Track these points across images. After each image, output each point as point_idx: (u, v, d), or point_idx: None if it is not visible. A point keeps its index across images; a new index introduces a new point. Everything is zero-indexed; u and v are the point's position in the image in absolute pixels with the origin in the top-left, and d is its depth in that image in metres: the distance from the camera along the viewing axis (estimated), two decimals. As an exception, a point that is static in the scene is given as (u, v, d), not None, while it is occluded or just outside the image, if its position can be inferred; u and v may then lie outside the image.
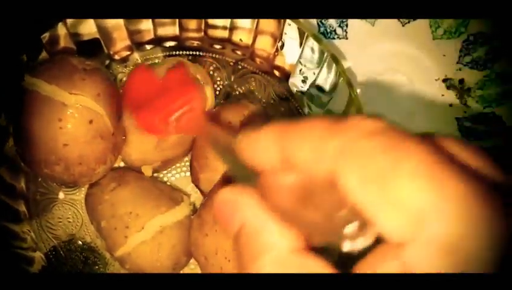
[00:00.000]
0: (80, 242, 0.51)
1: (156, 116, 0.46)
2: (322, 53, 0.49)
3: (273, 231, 0.24)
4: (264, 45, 0.54)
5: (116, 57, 0.54)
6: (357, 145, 0.21)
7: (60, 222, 0.51)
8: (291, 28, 0.50)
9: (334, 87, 0.49)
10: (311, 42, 0.49)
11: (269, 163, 0.25)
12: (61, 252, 0.50)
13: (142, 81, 0.49)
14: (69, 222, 0.51)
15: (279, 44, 0.52)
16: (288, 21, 0.50)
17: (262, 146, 0.25)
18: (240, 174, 0.28)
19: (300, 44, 0.51)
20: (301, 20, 0.58)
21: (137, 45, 0.55)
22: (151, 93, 0.48)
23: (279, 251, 0.23)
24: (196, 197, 0.53)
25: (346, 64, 0.60)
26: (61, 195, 0.52)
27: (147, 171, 0.52)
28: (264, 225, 0.24)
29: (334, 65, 0.48)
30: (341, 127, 0.22)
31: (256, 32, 0.53)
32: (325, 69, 0.49)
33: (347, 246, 0.21)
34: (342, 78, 0.48)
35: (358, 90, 0.56)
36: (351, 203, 0.21)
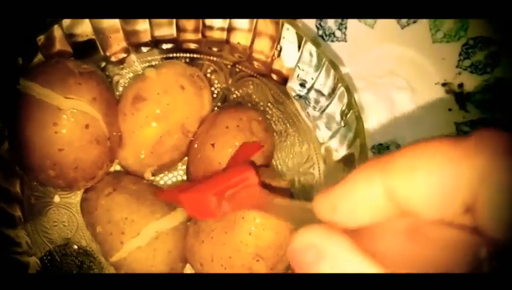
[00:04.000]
0: (76, 246, 0.50)
1: (207, 194, 0.40)
2: (320, 57, 0.49)
3: None
4: (262, 48, 0.53)
5: (113, 59, 0.54)
6: (497, 166, 0.18)
7: (55, 225, 0.51)
8: (289, 32, 0.50)
9: (333, 92, 0.49)
10: (310, 46, 0.49)
11: (370, 217, 0.22)
12: (57, 257, 0.49)
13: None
14: (65, 225, 0.51)
15: (278, 49, 0.51)
16: (286, 25, 0.49)
17: (358, 201, 0.22)
18: None
19: (299, 48, 0.50)
20: (300, 22, 0.58)
21: (134, 46, 0.54)
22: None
23: None
24: (193, 201, 0.53)
25: (344, 69, 0.59)
26: (56, 199, 0.51)
27: (147, 174, 0.51)
28: None
29: (332, 70, 0.48)
30: (468, 147, 0.19)
31: (254, 35, 0.52)
32: (323, 73, 0.49)
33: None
34: (340, 84, 0.47)
35: (356, 94, 0.56)
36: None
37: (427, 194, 0.20)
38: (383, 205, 0.21)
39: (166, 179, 0.55)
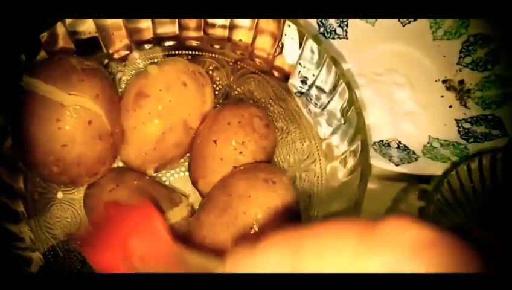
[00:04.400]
0: (79, 242, 0.51)
1: (114, 254, 0.36)
2: (321, 54, 0.49)
3: None
4: (263, 45, 0.53)
5: (115, 56, 0.54)
6: (406, 266, 0.18)
7: (58, 221, 0.51)
8: (291, 29, 0.50)
9: (334, 88, 0.49)
10: (311, 43, 0.49)
11: None
12: (60, 252, 0.50)
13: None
14: (68, 221, 0.51)
15: (279, 46, 0.52)
16: (288, 22, 0.50)
17: (265, 269, 0.23)
18: None
19: (300, 45, 0.50)
20: (301, 20, 0.59)
21: (136, 44, 0.55)
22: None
23: None
24: (195, 197, 0.53)
25: (345, 66, 0.59)
26: (59, 195, 0.51)
27: (150, 170, 0.52)
28: None
29: (333, 67, 0.48)
30: (379, 239, 0.19)
31: (256, 33, 0.53)
32: (324, 70, 0.49)
33: None
34: (341, 80, 0.48)
35: (357, 92, 0.56)
36: None
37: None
38: None
39: (169, 175, 0.55)
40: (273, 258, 0.23)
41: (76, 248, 0.50)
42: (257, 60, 0.55)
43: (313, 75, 0.51)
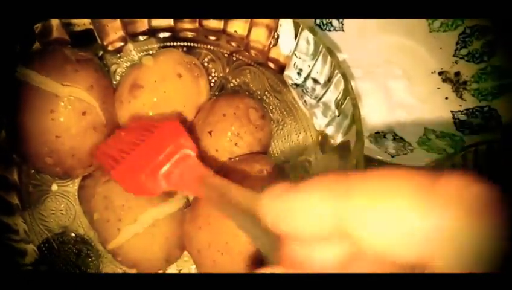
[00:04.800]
0: (73, 234, 0.51)
1: (140, 173, 0.37)
2: (317, 45, 0.49)
3: None
4: (259, 36, 0.53)
5: (110, 48, 0.54)
6: (465, 225, 0.17)
7: (53, 214, 0.51)
8: (286, 20, 0.50)
9: (329, 79, 0.49)
10: (306, 34, 0.49)
11: (310, 232, 0.20)
12: (54, 245, 0.49)
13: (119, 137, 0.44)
14: (62, 214, 0.51)
15: (275, 37, 0.51)
16: (283, 13, 0.49)
17: (304, 210, 0.20)
18: (259, 240, 0.24)
19: (296, 36, 0.50)
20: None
21: (131, 35, 0.54)
22: (130, 146, 0.40)
23: None
24: (190, 189, 0.53)
25: (341, 56, 0.59)
26: (54, 187, 0.51)
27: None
28: None
29: (329, 57, 0.48)
30: (440, 193, 0.17)
31: (251, 24, 0.52)
32: (320, 61, 0.49)
33: None
34: (337, 71, 0.47)
35: (353, 83, 0.56)
36: None
37: (385, 237, 0.18)
38: (332, 231, 0.20)
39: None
40: (317, 196, 0.20)
41: (71, 240, 0.50)
42: (252, 51, 0.55)
43: (309, 66, 0.51)
